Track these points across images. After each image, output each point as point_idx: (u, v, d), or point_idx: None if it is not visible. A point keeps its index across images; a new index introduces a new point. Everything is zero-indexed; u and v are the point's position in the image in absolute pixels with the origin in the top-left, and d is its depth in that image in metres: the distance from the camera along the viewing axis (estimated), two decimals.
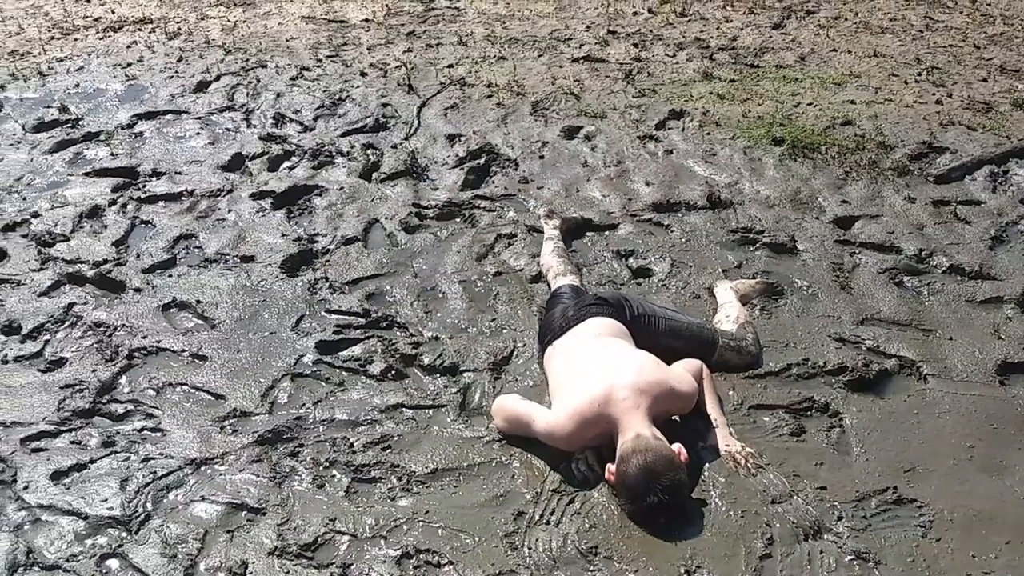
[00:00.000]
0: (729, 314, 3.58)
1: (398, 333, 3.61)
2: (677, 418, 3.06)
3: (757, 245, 4.19)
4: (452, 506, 2.81)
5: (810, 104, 5.64)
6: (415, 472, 2.94)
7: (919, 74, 6.09)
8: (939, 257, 4.02)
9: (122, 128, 5.34)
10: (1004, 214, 4.36)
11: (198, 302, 3.79)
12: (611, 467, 2.81)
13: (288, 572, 2.59)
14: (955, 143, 5.05)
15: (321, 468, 2.96)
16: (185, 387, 3.34)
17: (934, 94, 5.74)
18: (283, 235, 4.26)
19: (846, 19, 7.19)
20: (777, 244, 4.18)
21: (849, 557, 2.57)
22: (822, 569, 2.54)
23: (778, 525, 2.68)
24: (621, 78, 6.07)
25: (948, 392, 3.22)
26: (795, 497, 2.78)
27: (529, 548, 2.65)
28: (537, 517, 2.76)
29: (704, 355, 3.29)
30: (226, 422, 3.16)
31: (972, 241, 4.14)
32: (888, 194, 4.59)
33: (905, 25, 7.02)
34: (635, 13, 7.37)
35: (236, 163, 4.95)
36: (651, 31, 6.95)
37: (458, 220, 4.42)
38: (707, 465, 2.91)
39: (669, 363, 3.14)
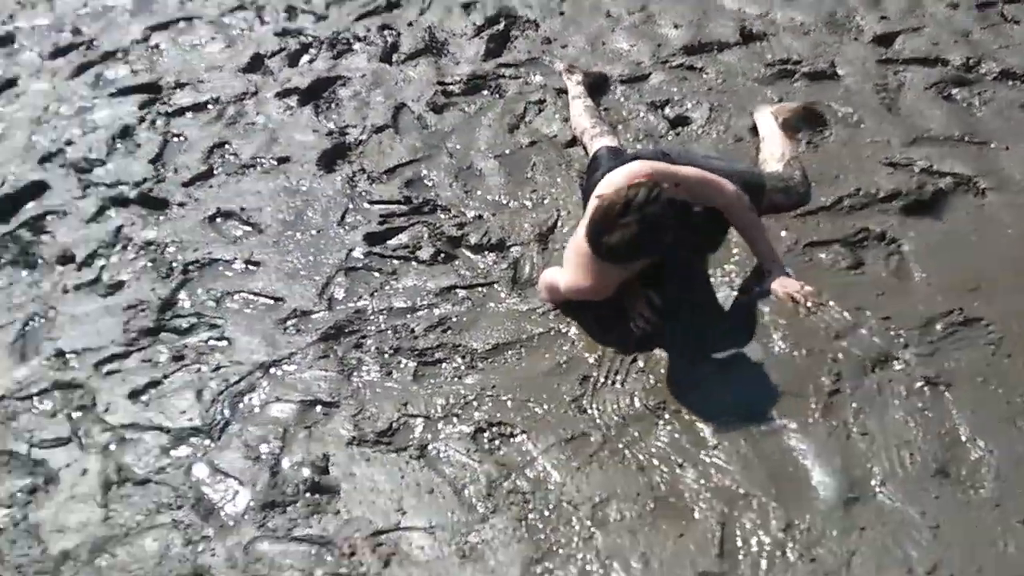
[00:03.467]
0: (774, 152, 3.48)
1: (442, 216, 3.60)
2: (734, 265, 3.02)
3: (796, 76, 4.03)
4: (518, 378, 2.86)
5: None
6: (477, 350, 2.99)
7: None
8: (988, 63, 3.83)
9: (137, 43, 5.24)
10: None
11: (242, 209, 3.81)
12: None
13: (368, 459, 2.69)
14: None
15: (386, 356, 3.03)
16: (243, 294, 3.39)
17: None
18: (314, 131, 4.21)
19: None
20: (816, 72, 4.02)
21: (919, 383, 2.57)
22: (893, 398, 2.56)
23: (844, 360, 2.69)
24: None
25: (1008, 204, 3.13)
26: (859, 330, 2.77)
27: (598, 410, 2.71)
28: (602, 380, 2.80)
29: (754, 200, 3.23)
30: (288, 323, 3.22)
31: (1022, 42, 3.93)
32: (928, 3, 4.35)
33: None
34: None
35: (256, 64, 4.86)
36: None
37: (485, 92, 4.31)
38: (766, 310, 2.90)
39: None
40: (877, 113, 3.69)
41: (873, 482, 2.33)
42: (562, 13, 4.87)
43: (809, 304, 2.87)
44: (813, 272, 3.01)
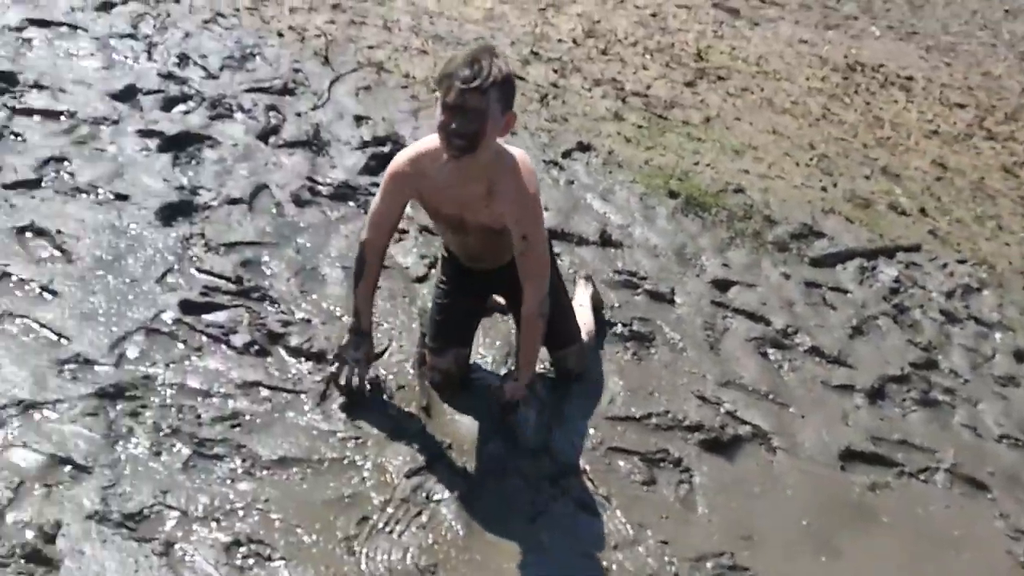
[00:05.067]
0: (583, 319, 3.61)
1: (269, 308, 3.45)
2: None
3: (639, 290, 4.25)
4: (295, 499, 2.69)
5: (708, 165, 5.80)
6: (261, 456, 2.80)
7: (810, 159, 6.38)
8: (803, 336, 4.19)
9: (9, 29, 4.91)
10: (867, 307, 4.60)
11: (59, 232, 3.51)
12: None
13: (105, 540, 2.41)
14: (833, 231, 5.30)
15: (162, 434, 2.78)
16: (27, 320, 3.07)
17: (820, 180, 6.02)
18: (165, 180, 4.01)
19: (753, 93, 7.46)
20: (657, 293, 4.25)
21: None
22: None
23: (617, 572, 2.70)
24: (537, 99, 6.07)
25: (794, 468, 3.34)
26: (637, 546, 2.81)
27: (367, 556, 2.57)
28: (381, 525, 2.67)
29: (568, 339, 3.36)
30: (66, 367, 2.92)
31: (835, 326, 4.34)
32: (766, 266, 4.76)
33: (805, 111, 7.34)
34: (559, 40, 7.41)
35: (128, 94, 4.64)
36: (572, 61, 7.01)
37: (351, 204, 4.28)
38: (549, 508, 2.90)
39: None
40: (700, 347, 3.93)
41: None
42: None
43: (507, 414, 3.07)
44: (609, 477, 3.07)
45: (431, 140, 2.84)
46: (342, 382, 3.06)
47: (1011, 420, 3.97)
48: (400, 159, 2.92)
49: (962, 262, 5.34)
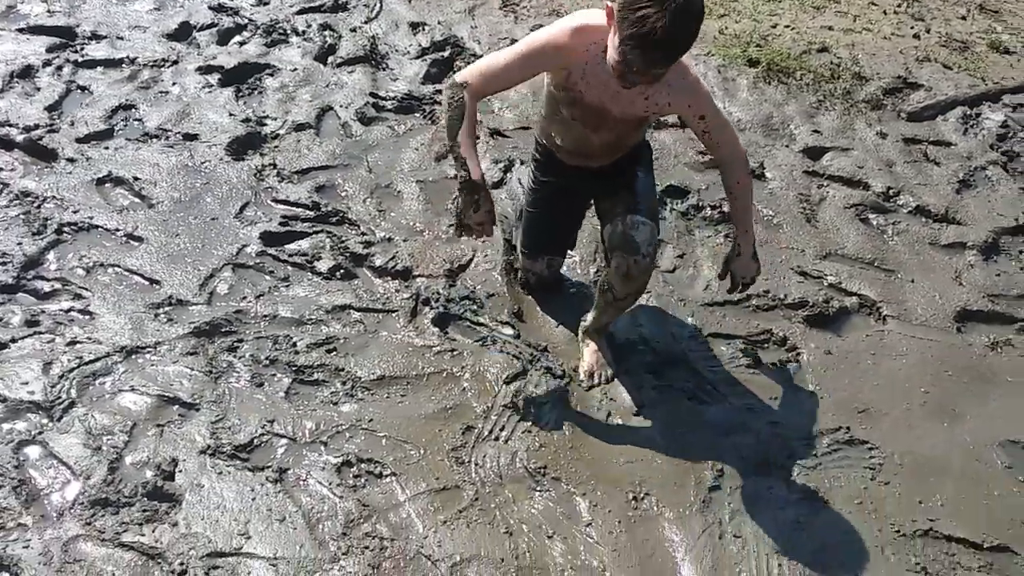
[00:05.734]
0: None
1: (349, 230, 3.42)
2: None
3: None
4: (398, 416, 2.70)
5: (787, 26, 5.46)
6: (360, 378, 2.81)
7: (899, 5, 5.93)
8: (906, 196, 3.96)
9: None
10: (973, 158, 4.30)
11: (135, 179, 3.53)
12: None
13: (221, 472, 2.47)
14: (930, 80, 4.94)
15: (261, 366, 2.81)
16: (118, 269, 3.12)
17: (912, 27, 5.60)
18: (230, 115, 3.98)
19: None
20: None
21: (797, 495, 2.55)
22: (770, 505, 2.52)
23: (729, 457, 2.64)
24: None
25: (906, 335, 3.19)
26: (748, 431, 2.74)
27: (476, 464, 2.57)
28: (486, 432, 2.67)
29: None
30: (160, 310, 2.97)
31: (940, 183, 4.08)
32: (860, 127, 4.49)
33: None
34: None
35: (183, 32, 4.60)
36: None
37: (417, 115, 4.18)
38: (652, 400, 2.84)
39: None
40: (796, 221, 3.75)
41: None
42: None
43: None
44: (712, 363, 2.99)
45: (598, 20, 2.46)
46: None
47: None
48: (564, 28, 2.51)
49: None
